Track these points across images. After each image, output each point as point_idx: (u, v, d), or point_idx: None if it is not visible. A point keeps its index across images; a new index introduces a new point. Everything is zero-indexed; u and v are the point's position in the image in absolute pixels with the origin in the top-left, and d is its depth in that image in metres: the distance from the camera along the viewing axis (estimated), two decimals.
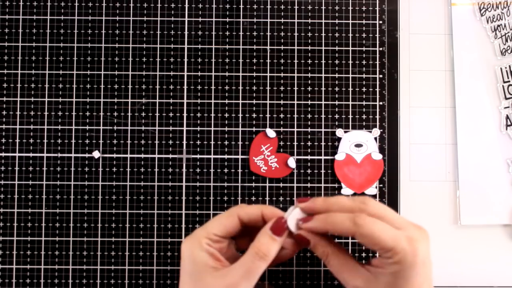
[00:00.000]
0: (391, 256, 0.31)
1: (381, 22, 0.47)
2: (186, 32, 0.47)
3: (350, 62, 0.47)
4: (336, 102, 0.47)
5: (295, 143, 0.47)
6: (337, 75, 0.47)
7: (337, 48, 0.47)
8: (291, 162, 0.46)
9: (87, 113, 0.47)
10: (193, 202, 0.46)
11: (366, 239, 0.31)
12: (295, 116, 0.47)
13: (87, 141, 0.46)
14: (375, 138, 0.47)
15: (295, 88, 0.47)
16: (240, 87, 0.47)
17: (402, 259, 0.31)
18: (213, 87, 0.47)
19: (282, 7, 0.47)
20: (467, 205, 0.46)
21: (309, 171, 0.46)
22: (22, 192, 0.46)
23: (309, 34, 0.47)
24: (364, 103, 0.47)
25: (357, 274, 0.33)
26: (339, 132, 0.47)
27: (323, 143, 0.47)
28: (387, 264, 0.32)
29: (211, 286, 0.32)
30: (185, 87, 0.47)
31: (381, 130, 0.47)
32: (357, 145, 0.47)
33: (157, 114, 0.47)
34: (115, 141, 0.46)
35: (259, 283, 0.46)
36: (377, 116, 0.47)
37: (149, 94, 0.47)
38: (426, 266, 0.32)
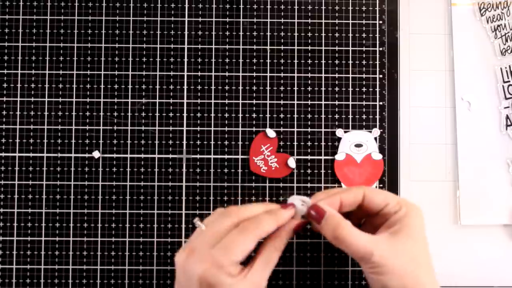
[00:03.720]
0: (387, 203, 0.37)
1: (381, 22, 0.47)
2: (186, 32, 0.47)
3: (350, 62, 0.47)
4: (336, 102, 0.47)
5: (295, 143, 0.47)
6: (337, 75, 0.47)
7: (337, 48, 0.47)
8: (291, 162, 0.46)
9: (87, 113, 0.47)
10: (193, 202, 0.46)
11: (373, 204, 0.37)
12: (295, 116, 0.47)
13: (87, 141, 0.46)
14: (375, 138, 0.47)
15: (295, 88, 0.47)
16: (240, 87, 0.47)
17: (402, 204, 0.36)
18: (213, 87, 0.47)
19: (282, 7, 0.47)
20: (467, 205, 0.46)
21: (309, 171, 0.46)
22: (22, 192, 0.46)
23: (309, 34, 0.47)
24: (364, 103, 0.47)
25: (362, 237, 0.35)
26: (339, 132, 0.47)
27: (323, 143, 0.47)
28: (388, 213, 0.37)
29: None
30: (185, 87, 0.47)
31: (381, 130, 0.47)
32: (357, 145, 0.47)
33: (157, 114, 0.47)
34: (115, 141, 0.46)
35: None
36: (377, 116, 0.47)
37: (149, 94, 0.47)
38: (420, 219, 0.36)
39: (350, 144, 0.47)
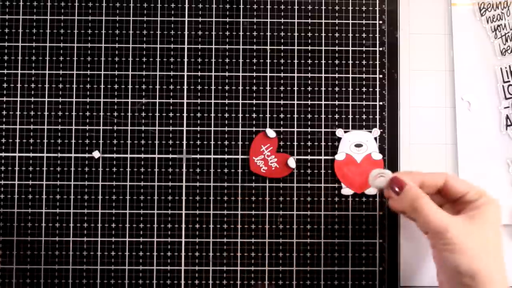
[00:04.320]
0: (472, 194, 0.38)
1: (381, 22, 0.47)
2: (186, 32, 0.47)
3: (350, 62, 0.47)
4: (336, 102, 0.47)
5: (295, 143, 0.47)
6: (337, 75, 0.47)
7: (337, 48, 0.47)
8: (291, 162, 0.46)
9: (87, 113, 0.47)
10: (193, 202, 0.46)
11: (454, 190, 0.38)
12: (295, 116, 0.47)
13: (87, 141, 0.46)
14: (375, 138, 0.47)
15: (295, 88, 0.47)
16: (240, 87, 0.47)
17: (482, 194, 0.38)
18: (213, 87, 0.47)
19: (282, 7, 0.47)
20: None
21: (309, 171, 0.46)
22: (22, 192, 0.46)
23: (309, 34, 0.47)
24: (364, 103, 0.47)
25: (440, 212, 0.37)
26: (339, 132, 0.47)
27: (323, 143, 0.47)
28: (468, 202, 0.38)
29: None
30: (185, 87, 0.47)
31: (381, 130, 0.47)
32: (357, 145, 0.47)
33: (157, 114, 0.47)
34: (115, 141, 0.46)
35: (259, 283, 0.46)
36: (377, 116, 0.47)
37: (149, 94, 0.47)
38: (497, 211, 0.37)
39: (350, 144, 0.47)
